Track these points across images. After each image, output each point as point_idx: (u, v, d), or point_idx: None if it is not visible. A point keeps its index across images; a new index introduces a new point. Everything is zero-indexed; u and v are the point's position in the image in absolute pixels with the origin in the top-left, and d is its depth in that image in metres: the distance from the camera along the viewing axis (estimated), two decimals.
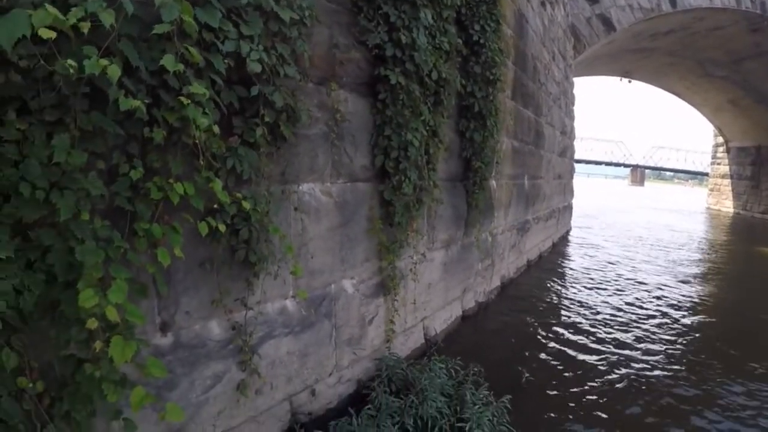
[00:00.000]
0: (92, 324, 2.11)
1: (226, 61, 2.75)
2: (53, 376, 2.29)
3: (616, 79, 31.67)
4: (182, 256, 2.74)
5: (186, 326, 3.06)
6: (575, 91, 17.81)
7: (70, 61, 1.95)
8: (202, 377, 3.14)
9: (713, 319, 8.44)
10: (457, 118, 6.36)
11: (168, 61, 2.28)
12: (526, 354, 6.34)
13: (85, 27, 1.93)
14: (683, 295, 10.02)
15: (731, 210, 34.70)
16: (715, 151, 37.15)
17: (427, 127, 5.00)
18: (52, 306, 2.22)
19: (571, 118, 17.26)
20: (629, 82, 31.58)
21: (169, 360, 2.93)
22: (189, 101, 2.45)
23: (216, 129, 2.71)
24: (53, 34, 1.86)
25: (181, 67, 2.36)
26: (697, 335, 7.50)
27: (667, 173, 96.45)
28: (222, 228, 2.98)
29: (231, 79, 2.98)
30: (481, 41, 6.29)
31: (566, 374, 5.81)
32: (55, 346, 2.23)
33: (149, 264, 2.64)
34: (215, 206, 2.97)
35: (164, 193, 2.58)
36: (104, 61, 1.98)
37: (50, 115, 2.13)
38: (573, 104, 17.48)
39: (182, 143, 2.66)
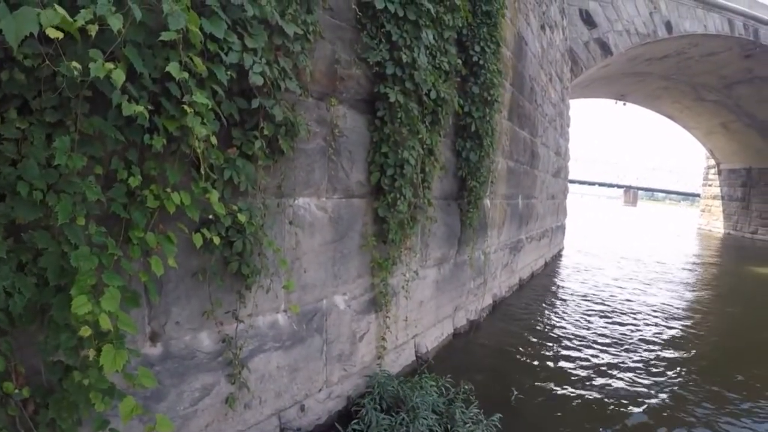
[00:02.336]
0: (85, 332, 2.08)
1: (228, 72, 2.75)
2: (40, 382, 2.25)
3: (612, 101, 32.12)
4: (176, 266, 2.72)
5: (176, 337, 3.03)
6: (571, 112, 17.98)
7: (74, 63, 1.94)
8: (190, 389, 3.09)
9: (700, 333, 8.46)
10: (453, 137, 6.39)
11: (174, 69, 2.28)
12: (517, 372, 6.30)
13: (93, 30, 1.92)
14: (674, 314, 10.09)
15: (722, 230, 35.24)
16: (707, 173, 37.71)
17: (424, 146, 5.02)
18: (42, 310, 2.19)
19: (566, 139, 17.41)
20: (624, 104, 32.03)
21: (158, 370, 2.88)
22: (191, 110, 2.45)
23: (214, 140, 2.70)
24: (60, 35, 1.85)
25: (185, 75, 2.36)
26: (685, 355, 7.50)
27: (660, 194, 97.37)
28: (216, 240, 2.97)
29: (232, 91, 2.98)
30: (481, 62, 6.34)
31: (556, 393, 5.78)
32: (43, 351, 2.19)
33: (142, 272, 2.62)
34: (210, 217, 2.96)
35: (160, 201, 2.57)
36: (109, 65, 1.97)
37: (51, 117, 2.12)
38: (568, 125, 17.66)
39: (181, 152, 2.65)
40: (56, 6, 1.84)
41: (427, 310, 6.14)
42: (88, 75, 1.97)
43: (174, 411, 2.99)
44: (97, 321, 2.12)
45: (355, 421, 4.14)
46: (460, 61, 5.74)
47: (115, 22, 1.96)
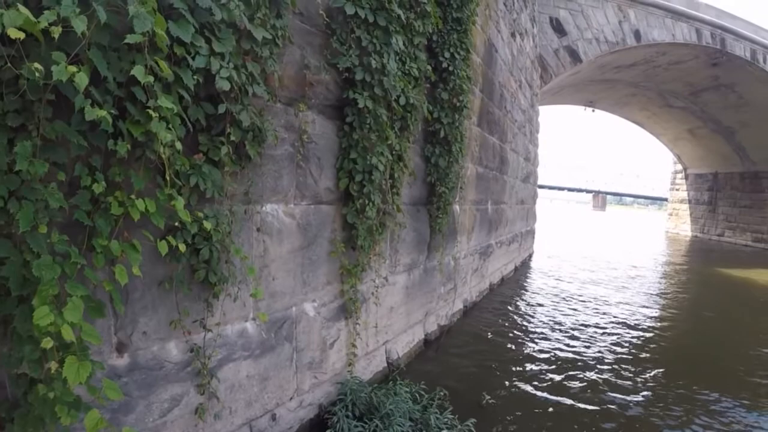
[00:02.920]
0: (47, 343, 2.01)
1: (195, 76, 2.71)
2: (5, 395, 2.17)
3: (581, 108, 32.72)
4: (140, 274, 2.66)
5: (143, 347, 2.95)
6: (540, 119, 18.25)
7: (36, 65, 1.88)
8: (159, 400, 3.02)
9: (670, 335, 8.64)
10: (422, 143, 6.42)
11: (138, 72, 2.23)
12: (489, 376, 6.36)
13: (56, 32, 1.87)
14: (642, 315, 10.33)
15: (689, 233, 36.33)
16: (674, 178, 38.80)
17: (393, 152, 5.02)
18: (5, 321, 2.11)
19: (536, 144, 17.67)
20: (593, 111, 32.65)
21: (126, 382, 2.81)
22: (156, 115, 2.40)
23: (179, 145, 2.65)
24: (22, 35, 1.79)
25: (150, 79, 2.31)
26: (655, 354, 7.66)
27: (628, 199, 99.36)
28: (182, 248, 2.92)
29: (199, 96, 2.94)
30: (450, 68, 6.39)
31: (529, 396, 5.84)
32: (7, 364, 2.12)
33: (106, 281, 2.54)
34: (176, 224, 2.90)
35: (125, 208, 2.51)
36: (72, 68, 1.92)
37: (13, 121, 2.05)
38: (538, 131, 17.93)
39: (146, 158, 2.60)
40: (19, 6, 1.79)
41: (398, 316, 6.13)
42: (50, 78, 1.91)
43: (143, 423, 2.92)
44: (60, 332, 2.06)
45: (328, 430, 4.10)
46: (429, 67, 5.77)
47: (79, 24, 1.91)
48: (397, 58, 4.83)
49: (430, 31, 5.70)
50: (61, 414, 2.13)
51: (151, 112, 2.39)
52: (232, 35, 2.94)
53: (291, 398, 4.25)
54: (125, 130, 2.41)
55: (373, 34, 4.40)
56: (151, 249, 2.81)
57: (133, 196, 2.53)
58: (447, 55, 6.34)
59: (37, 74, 1.89)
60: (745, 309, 12.22)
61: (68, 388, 2.13)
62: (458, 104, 6.61)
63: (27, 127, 2.10)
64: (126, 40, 2.19)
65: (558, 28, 16.83)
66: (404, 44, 4.90)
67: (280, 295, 4.08)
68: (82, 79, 1.95)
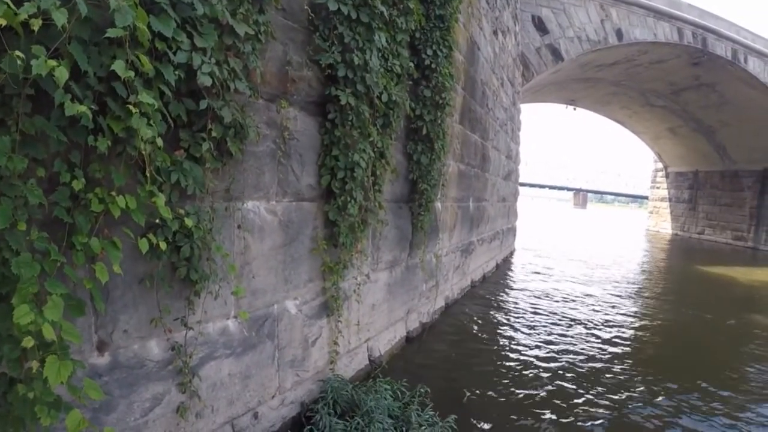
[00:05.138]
0: (28, 342, 1.98)
1: (176, 72, 2.68)
2: None
3: (562, 106, 32.94)
4: (121, 272, 2.62)
5: (124, 346, 2.92)
6: (522, 117, 18.35)
7: (17, 53, 1.84)
8: (140, 399, 2.99)
9: (648, 333, 8.77)
10: (404, 140, 6.43)
11: (119, 67, 2.20)
12: (471, 373, 6.39)
13: (36, 24, 1.84)
14: (623, 310, 10.55)
15: (670, 231, 36.89)
16: (655, 176, 39.30)
17: (375, 149, 5.02)
18: None
19: (517, 142, 17.77)
20: (574, 109, 32.88)
21: (106, 381, 2.77)
22: (136, 110, 2.36)
23: (160, 141, 2.61)
24: (4, 22, 1.76)
25: (131, 74, 2.28)
26: (631, 348, 7.79)
27: (609, 197, 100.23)
28: (163, 245, 2.88)
29: (180, 91, 2.90)
30: (433, 66, 6.40)
31: (510, 393, 5.89)
32: None
33: (86, 279, 2.50)
34: (157, 221, 2.87)
35: (105, 205, 2.47)
36: (52, 62, 1.88)
37: None
38: (519, 129, 18.05)
39: (127, 154, 2.56)
40: None
41: (380, 314, 6.14)
42: (30, 72, 1.87)
43: (125, 422, 2.88)
44: (40, 331, 2.02)
45: (309, 427, 4.09)
46: (412, 65, 5.77)
47: (60, 17, 1.88)
48: (380, 54, 4.82)
49: (413, 28, 5.71)
50: (41, 414, 2.09)
51: (131, 107, 2.35)
52: (214, 30, 2.91)
53: (273, 396, 4.23)
54: (106, 126, 2.37)
55: (355, 31, 4.39)
56: (132, 246, 2.77)
57: (113, 193, 2.50)
58: (430, 52, 6.35)
59: (19, 62, 1.85)
60: (726, 306, 12.45)
61: (49, 388, 2.10)
62: (441, 101, 6.63)
63: (6, 122, 2.05)
64: (107, 35, 2.15)
65: (540, 26, 16.94)
66: (387, 41, 4.90)
67: (262, 292, 4.06)
68: (62, 74, 1.92)
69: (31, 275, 2.05)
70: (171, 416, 3.20)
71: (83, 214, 2.42)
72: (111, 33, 2.14)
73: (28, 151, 2.13)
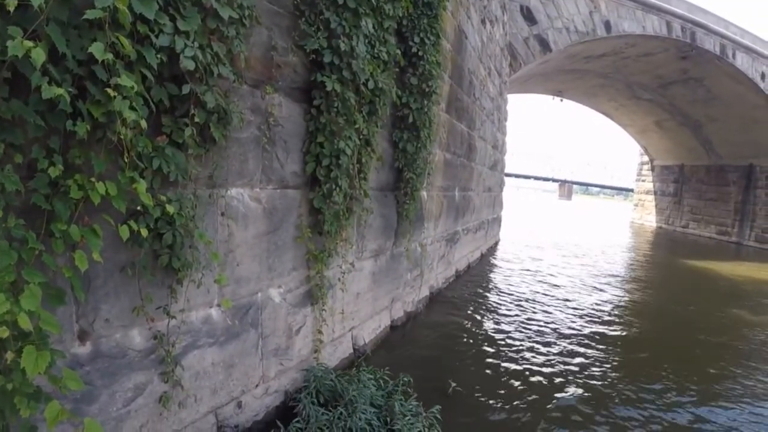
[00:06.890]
0: (3, 333, 1.93)
1: (159, 55, 2.61)
2: None
3: (549, 97, 32.91)
4: (101, 260, 2.56)
5: (106, 335, 2.88)
6: (509, 107, 18.35)
7: None
8: (123, 389, 2.95)
9: (632, 327, 8.88)
10: (390, 128, 6.38)
11: (97, 49, 2.13)
12: (454, 363, 6.44)
13: (12, 5, 1.77)
14: (605, 301, 10.70)
15: (654, 224, 37.23)
16: (641, 169, 39.56)
17: (361, 136, 4.97)
18: None
19: (503, 133, 17.79)
20: (561, 100, 32.85)
21: (88, 371, 2.73)
22: (116, 94, 2.30)
23: (144, 124, 2.55)
24: None
25: (110, 57, 2.21)
26: (615, 333, 7.87)
27: (594, 188, 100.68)
28: (144, 232, 2.83)
29: (162, 76, 2.84)
30: (420, 53, 6.35)
31: (493, 382, 5.94)
32: None
33: (66, 268, 2.45)
34: (138, 208, 2.80)
35: (85, 192, 2.41)
36: (29, 43, 1.82)
37: None
38: (506, 120, 18.04)
39: (107, 140, 2.50)
40: None
41: (364, 303, 6.12)
42: (6, 54, 1.80)
43: (107, 412, 2.85)
44: (16, 321, 1.97)
45: (297, 420, 4.07)
46: (399, 52, 5.71)
47: None
48: (367, 41, 4.76)
49: (400, 14, 5.64)
50: (20, 406, 2.05)
51: (110, 91, 2.28)
52: (198, 14, 2.85)
53: (257, 385, 4.21)
54: (85, 111, 2.31)
55: (342, 16, 4.33)
56: (113, 234, 2.71)
57: (93, 179, 2.43)
58: (417, 39, 6.30)
59: None
60: (709, 299, 12.62)
61: (27, 379, 2.05)
62: (427, 90, 6.59)
63: None
64: (85, 16, 2.09)
65: (528, 16, 16.87)
66: (374, 27, 4.84)
67: (246, 280, 4.02)
68: (39, 55, 1.85)
69: (7, 263, 2.01)
70: (153, 406, 3.16)
71: (62, 201, 2.36)
72: (90, 15, 2.07)
73: (5, 136, 2.07)
